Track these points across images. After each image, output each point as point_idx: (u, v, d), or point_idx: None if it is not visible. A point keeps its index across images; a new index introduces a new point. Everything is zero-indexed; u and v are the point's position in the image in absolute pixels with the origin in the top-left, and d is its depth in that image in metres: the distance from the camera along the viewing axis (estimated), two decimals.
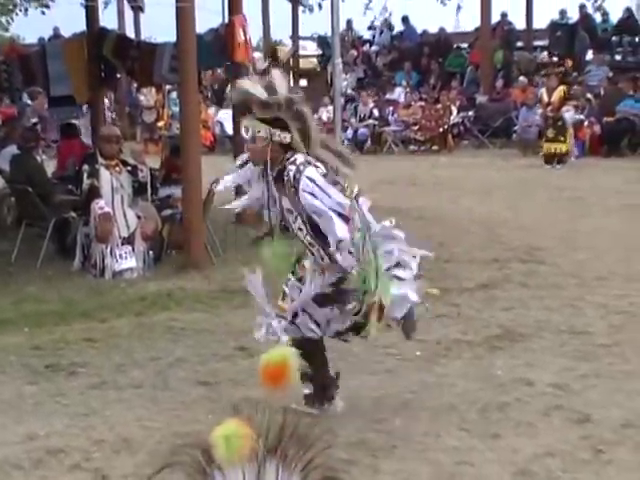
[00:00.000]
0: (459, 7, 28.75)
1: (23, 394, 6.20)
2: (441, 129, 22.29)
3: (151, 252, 9.80)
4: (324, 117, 23.15)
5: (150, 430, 5.50)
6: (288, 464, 1.78)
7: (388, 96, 24.62)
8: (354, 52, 27.82)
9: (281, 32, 32.00)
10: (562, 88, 18.44)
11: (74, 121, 15.01)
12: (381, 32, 28.43)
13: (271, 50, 25.63)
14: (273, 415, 1.81)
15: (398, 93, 24.68)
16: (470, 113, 22.86)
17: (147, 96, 22.97)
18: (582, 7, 25.35)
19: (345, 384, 6.17)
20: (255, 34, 26.00)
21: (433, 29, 27.65)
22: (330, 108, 18.68)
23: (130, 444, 5.34)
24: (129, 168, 9.95)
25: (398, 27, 28.51)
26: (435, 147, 22.36)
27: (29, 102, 20.19)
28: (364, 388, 6.22)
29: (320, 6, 27.47)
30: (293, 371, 2.14)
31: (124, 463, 5.11)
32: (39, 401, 6.07)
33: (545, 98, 18.61)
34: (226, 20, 12.74)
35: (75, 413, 5.89)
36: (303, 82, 28.41)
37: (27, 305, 8.42)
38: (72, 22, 16.31)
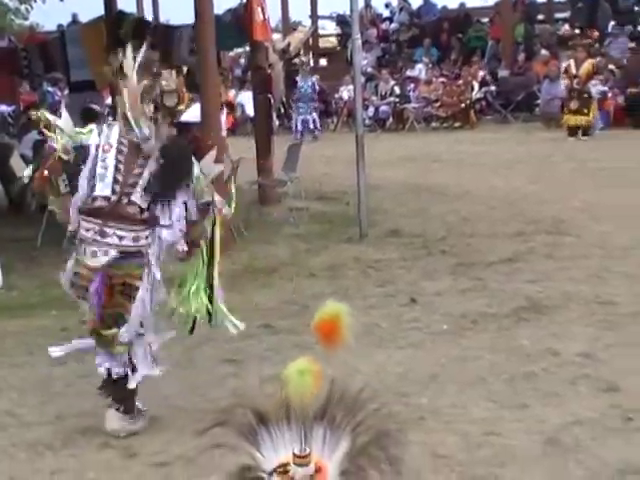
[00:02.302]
0: None
1: (53, 375, 6.26)
2: (463, 105, 22.20)
3: None
4: (345, 96, 23.11)
5: (177, 408, 5.55)
6: (336, 427, 1.79)
7: (409, 73, 24.54)
8: (373, 30, 27.71)
9: (300, 12, 31.98)
10: (591, 61, 18.29)
11: (94, 106, 15.02)
12: (400, 9, 28.29)
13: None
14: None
15: (419, 70, 24.58)
16: (492, 88, 22.74)
17: (168, 80, 22.90)
18: None
19: (372, 358, 6.20)
20: (274, 14, 26.01)
21: (453, 5, 27.51)
22: (351, 87, 18.64)
23: (158, 422, 5.39)
24: None
25: (416, 4, 28.40)
26: (457, 123, 22.28)
27: (49, 89, 20.29)
28: (390, 362, 6.24)
29: None
30: (346, 326, 2.16)
31: (152, 441, 5.16)
32: (68, 382, 6.12)
33: (573, 70, 18.43)
34: (244, 0, 12.71)
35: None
36: (323, 61, 28.38)
37: (53, 289, 8.45)
38: (90, 8, 16.31)
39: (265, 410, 1.87)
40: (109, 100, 16.00)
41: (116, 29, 13.49)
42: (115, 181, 5.07)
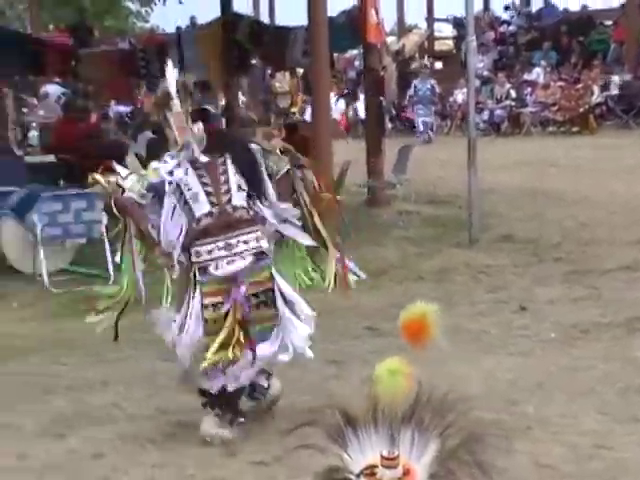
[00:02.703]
0: None
1: (156, 370, 6.33)
2: (582, 109, 21.72)
3: None
4: (459, 99, 22.91)
5: (279, 408, 5.53)
6: (424, 430, 1.74)
7: (526, 77, 24.17)
8: (491, 33, 27.40)
9: (416, 15, 31.87)
10: None
11: (208, 107, 15.24)
12: (519, 12, 27.91)
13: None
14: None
15: (536, 73, 24.18)
16: (613, 92, 22.19)
17: (281, 82, 23.15)
18: None
19: (480, 365, 6.10)
20: (390, 17, 25.94)
21: (574, 7, 26.98)
22: (465, 90, 18.45)
23: (259, 421, 5.38)
24: None
25: (537, 6, 27.95)
26: (575, 128, 21.81)
27: None
28: (499, 369, 6.12)
29: None
30: (433, 325, 2.13)
31: (252, 440, 5.16)
32: (172, 377, 6.17)
33: None
34: (358, 1, 12.69)
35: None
36: (438, 64, 28.20)
37: (155, 285, 8.58)
38: (208, 10, 16.56)
39: (353, 411, 1.82)
40: (223, 101, 16.19)
41: (232, 31, 13.66)
42: (208, 194, 5.11)
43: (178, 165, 5.20)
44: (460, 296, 8.09)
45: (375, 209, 11.89)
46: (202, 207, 5.09)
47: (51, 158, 11.79)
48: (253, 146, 5.32)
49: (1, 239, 9.42)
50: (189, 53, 14.07)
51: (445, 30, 31.21)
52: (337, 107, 21.49)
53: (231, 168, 5.18)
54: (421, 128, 22.02)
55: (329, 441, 1.79)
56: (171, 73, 5.34)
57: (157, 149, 11.05)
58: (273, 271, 5.11)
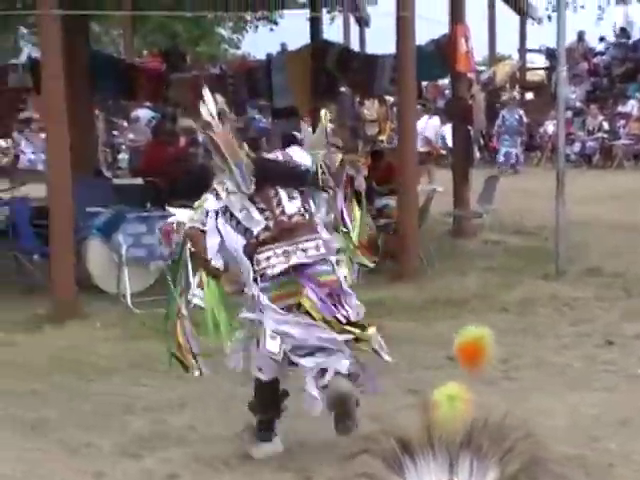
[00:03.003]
0: None
1: (234, 394, 6.35)
2: None
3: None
4: (549, 130, 22.65)
5: (357, 435, 5.49)
6: (483, 456, 1.70)
7: (619, 109, 23.80)
8: (584, 64, 27.08)
9: (509, 45, 31.66)
10: None
11: (296, 133, 15.34)
12: (615, 44, 27.54)
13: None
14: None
15: (631, 106, 23.79)
16: None
17: (370, 110, 23.16)
18: None
19: (564, 399, 5.99)
20: (481, 48, 25.81)
21: None
22: (556, 121, 18.24)
23: (336, 447, 5.35)
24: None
25: (634, 37, 27.53)
26: None
27: (255, 116, 20.93)
28: (583, 404, 6.00)
29: (549, 18, 26.88)
30: (489, 349, 2.09)
31: (328, 465, 5.13)
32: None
33: None
34: (448, 30, 12.66)
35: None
36: (529, 95, 27.95)
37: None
38: (298, 37, 16.68)
39: (409, 438, 1.79)
40: (310, 127, 16.27)
41: (321, 57, 13.75)
42: (261, 211, 5.22)
43: (226, 190, 5.28)
44: (544, 328, 7.96)
45: (460, 239, 11.81)
46: (258, 224, 5.20)
47: (139, 181, 11.98)
48: (301, 166, 5.41)
49: (87, 258, 9.59)
50: (278, 79, 14.20)
51: (537, 61, 30.96)
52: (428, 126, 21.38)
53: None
54: (502, 159, 21.80)
55: (385, 468, 1.77)
56: (208, 95, 5.36)
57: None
58: (338, 275, 5.25)
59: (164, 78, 15.32)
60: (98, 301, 9.23)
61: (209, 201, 5.34)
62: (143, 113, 19.62)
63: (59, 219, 8.79)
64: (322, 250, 5.20)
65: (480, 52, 24.60)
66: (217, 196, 5.30)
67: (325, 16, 23.41)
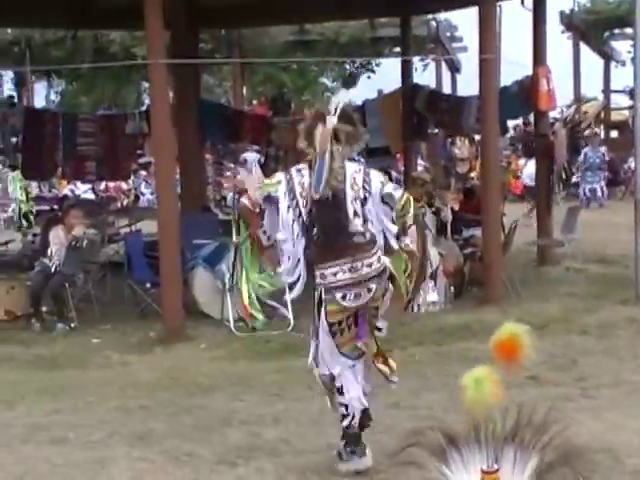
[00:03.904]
0: None
1: (325, 410, 6.31)
2: None
3: (452, 287, 9.78)
4: (633, 166, 22.18)
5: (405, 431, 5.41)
6: (525, 447, 1.70)
7: None
8: None
9: (594, 87, 31.20)
10: None
11: (389, 170, 15.36)
12: None
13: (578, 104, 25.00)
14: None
15: None
16: None
17: (461, 149, 23.06)
18: None
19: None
20: (566, 90, 25.48)
21: None
22: None
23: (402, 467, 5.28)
24: (433, 209, 10.04)
25: None
26: None
27: (355, 156, 21.00)
28: None
29: (633, 60, 26.44)
30: (526, 346, 2.04)
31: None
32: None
33: None
34: (530, 72, 12.57)
35: (371, 428, 5.91)
36: (614, 133, 27.50)
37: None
38: (394, 84, 16.76)
39: (455, 432, 1.78)
40: (402, 165, 16.29)
41: (411, 100, 13.80)
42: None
43: (300, 181, 5.05)
44: (624, 350, 7.75)
45: (544, 266, 11.64)
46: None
47: None
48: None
49: (194, 286, 9.74)
50: (372, 121, 14.26)
51: (621, 101, 30.45)
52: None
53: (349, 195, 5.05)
54: (582, 195, 21.48)
55: (431, 458, 1.75)
56: (342, 95, 5.23)
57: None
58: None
59: (268, 122, 15.53)
60: (203, 325, 9.35)
61: (278, 187, 5.10)
62: (251, 156, 19.87)
63: (168, 251, 8.95)
64: (383, 262, 5.06)
65: (566, 95, 24.35)
66: (296, 182, 5.07)
67: (418, 63, 23.56)
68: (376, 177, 5.19)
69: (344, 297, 5.00)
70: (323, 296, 5.06)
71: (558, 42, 25.89)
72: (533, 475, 1.65)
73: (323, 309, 5.07)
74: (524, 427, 1.69)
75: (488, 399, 1.70)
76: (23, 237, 13.57)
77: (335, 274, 5.01)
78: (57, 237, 9.91)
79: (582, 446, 1.69)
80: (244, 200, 5.30)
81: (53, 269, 9.70)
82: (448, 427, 1.71)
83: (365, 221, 5.04)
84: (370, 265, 5.02)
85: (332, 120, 5.00)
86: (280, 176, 5.21)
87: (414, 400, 6.53)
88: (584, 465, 1.66)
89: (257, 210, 5.19)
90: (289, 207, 5.04)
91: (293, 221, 5.04)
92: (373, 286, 5.01)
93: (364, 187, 5.05)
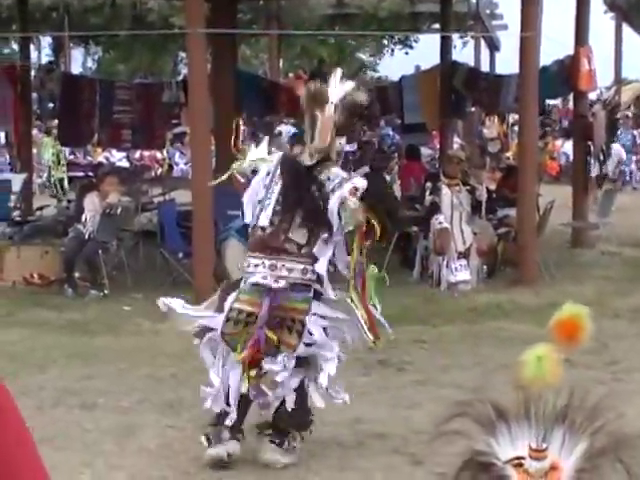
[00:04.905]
0: None
1: (354, 384, 6.33)
2: None
3: (485, 267, 9.75)
4: None
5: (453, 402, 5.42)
6: (575, 430, 1.68)
7: None
8: None
9: (635, 69, 30.84)
10: None
11: (420, 146, 15.29)
12: None
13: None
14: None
15: None
16: None
17: (490, 128, 22.91)
18: None
19: None
20: (609, 72, 25.19)
21: None
22: None
23: (447, 435, 5.29)
24: (468, 188, 9.98)
25: None
26: None
27: (389, 132, 20.93)
28: None
29: None
30: (587, 327, 2.04)
31: (439, 451, 5.06)
32: (367, 391, 6.19)
33: None
34: (572, 51, 12.43)
35: (398, 404, 5.95)
36: None
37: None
38: (432, 60, 16.65)
39: (505, 406, 1.77)
40: (437, 141, 16.21)
41: (449, 77, 13.70)
42: (274, 213, 4.92)
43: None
44: None
45: (578, 249, 11.57)
46: (263, 220, 4.95)
47: None
48: (331, 201, 4.84)
49: (226, 256, 9.75)
50: (409, 97, 14.23)
51: None
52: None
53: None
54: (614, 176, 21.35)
55: (479, 429, 1.74)
56: (338, 79, 4.88)
57: (373, 185, 11.22)
58: (313, 307, 4.84)
59: None
60: None
61: (268, 164, 5.06)
62: (285, 129, 19.86)
63: (201, 222, 8.97)
64: (308, 275, 4.86)
65: (606, 77, 24.05)
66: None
67: (457, 41, 23.35)
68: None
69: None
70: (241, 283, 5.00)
71: (600, 22, 25.54)
72: (581, 459, 1.64)
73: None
74: (576, 410, 1.68)
75: (548, 377, 1.69)
76: (58, 203, 13.68)
77: (257, 266, 4.95)
78: (92, 204, 9.96)
79: (633, 435, 1.68)
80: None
81: (87, 236, 9.76)
82: (499, 401, 1.71)
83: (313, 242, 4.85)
84: (291, 270, 4.86)
85: (331, 110, 4.81)
86: (275, 157, 5.17)
87: (443, 377, 6.53)
88: (631, 453, 1.65)
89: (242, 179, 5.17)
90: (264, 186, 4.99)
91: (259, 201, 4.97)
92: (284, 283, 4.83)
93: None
